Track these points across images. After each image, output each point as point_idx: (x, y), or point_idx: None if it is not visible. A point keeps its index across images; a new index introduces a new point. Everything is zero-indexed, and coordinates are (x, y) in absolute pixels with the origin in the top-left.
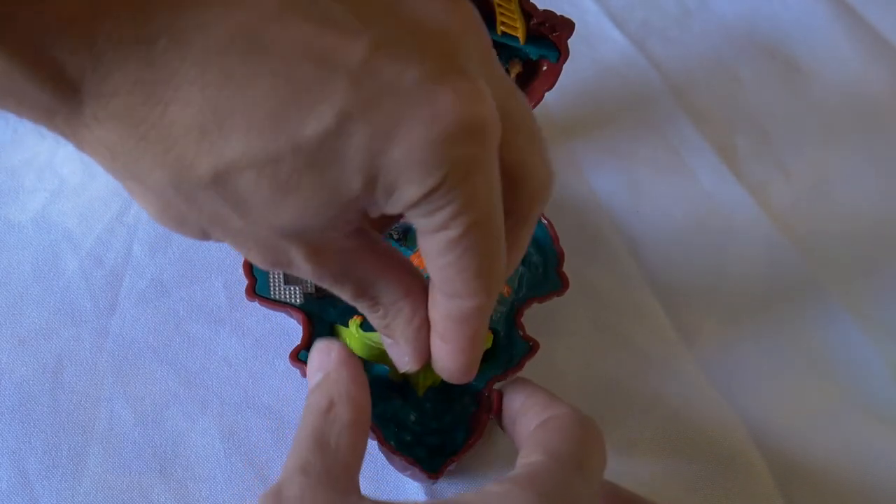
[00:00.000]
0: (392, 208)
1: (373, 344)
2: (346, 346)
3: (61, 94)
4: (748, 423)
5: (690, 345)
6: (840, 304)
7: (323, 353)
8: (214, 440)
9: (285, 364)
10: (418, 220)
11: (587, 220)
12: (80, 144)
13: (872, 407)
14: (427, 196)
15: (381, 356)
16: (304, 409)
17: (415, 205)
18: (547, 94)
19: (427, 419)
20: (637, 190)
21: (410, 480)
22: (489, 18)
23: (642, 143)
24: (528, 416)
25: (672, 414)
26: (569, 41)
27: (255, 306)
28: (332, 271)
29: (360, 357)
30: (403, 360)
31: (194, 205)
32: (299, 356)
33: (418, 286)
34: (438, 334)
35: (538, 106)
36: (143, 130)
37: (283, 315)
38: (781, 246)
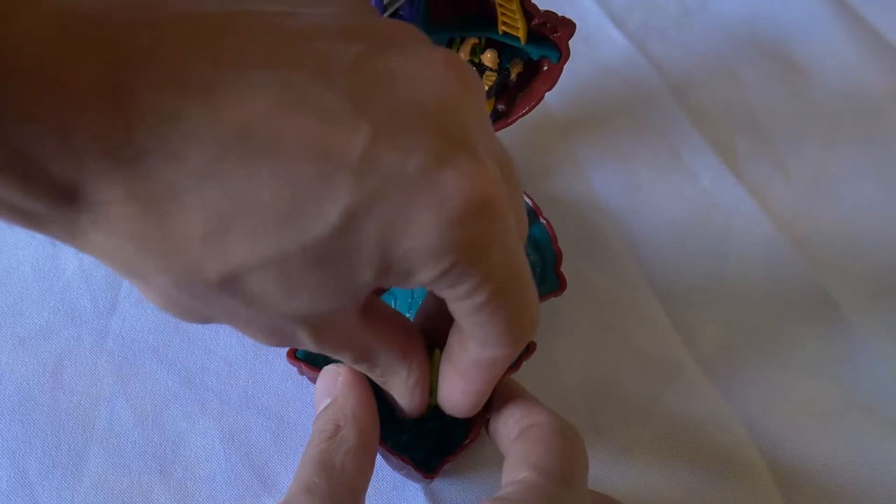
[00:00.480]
0: (407, 286)
1: None
2: (353, 370)
3: (55, 205)
4: (748, 424)
5: (690, 345)
6: (840, 304)
7: (330, 377)
8: (214, 440)
9: (285, 364)
10: (441, 292)
11: (587, 220)
12: (79, 247)
13: (873, 408)
14: (441, 276)
15: None
16: (311, 433)
17: (431, 283)
18: (547, 94)
19: (424, 419)
20: (637, 190)
21: (408, 479)
22: (491, 18)
23: (642, 143)
24: (508, 422)
25: (672, 415)
26: (569, 41)
27: None
28: (334, 344)
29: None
30: (399, 410)
31: (201, 301)
32: (297, 354)
33: (417, 350)
34: (461, 374)
35: (539, 105)
36: (144, 240)
37: None
38: (781, 246)
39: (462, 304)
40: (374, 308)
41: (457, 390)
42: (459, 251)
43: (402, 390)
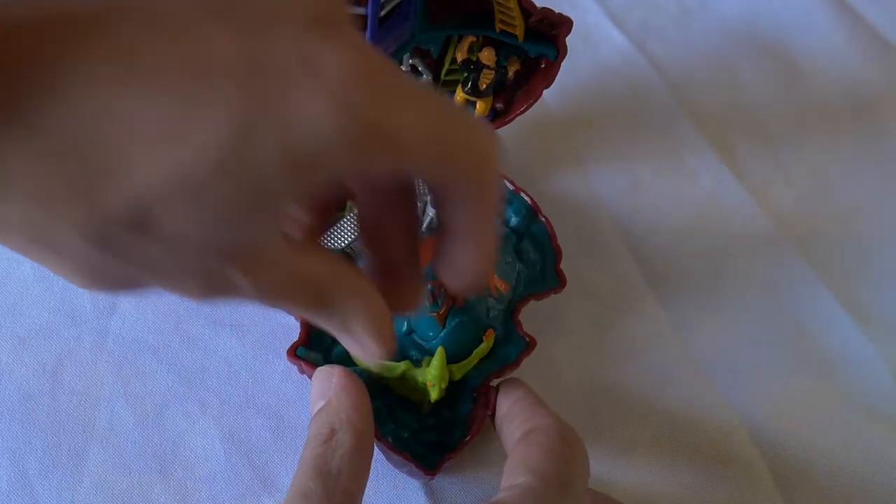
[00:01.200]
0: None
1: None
2: (346, 371)
3: None
4: (748, 424)
5: (690, 345)
6: (840, 303)
7: (323, 380)
8: (214, 440)
9: (285, 364)
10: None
11: (587, 220)
12: None
13: (873, 407)
14: (362, 159)
15: (380, 378)
16: (307, 437)
17: (363, 172)
18: (547, 93)
19: (425, 416)
20: (637, 190)
21: (408, 477)
22: (488, 16)
23: (642, 143)
24: (513, 423)
25: (672, 414)
26: (568, 41)
27: (255, 306)
28: (278, 283)
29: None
30: (369, 352)
31: (118, 253)
32: (297, 353)
33: (364, 280)
34: (459, 233)
35: (538, 105)
36: (49, 197)
37: (283, 315)
38: (781, 246)
39: (415, 171)
40: (305, 244)
41: (464, 257)
42: (363, 126)
43: (365, 321)
